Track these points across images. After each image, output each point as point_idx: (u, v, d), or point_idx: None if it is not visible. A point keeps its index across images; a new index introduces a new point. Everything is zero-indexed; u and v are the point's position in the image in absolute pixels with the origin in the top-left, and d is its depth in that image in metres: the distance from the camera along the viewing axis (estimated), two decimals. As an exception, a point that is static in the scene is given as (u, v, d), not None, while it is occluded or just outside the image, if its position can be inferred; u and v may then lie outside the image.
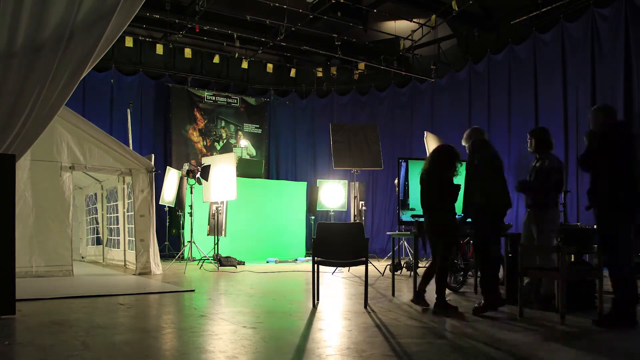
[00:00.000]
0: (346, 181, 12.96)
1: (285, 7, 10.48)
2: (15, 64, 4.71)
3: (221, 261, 9.18)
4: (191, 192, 9.45)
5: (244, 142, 13.71)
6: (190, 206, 9.43)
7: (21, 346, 3.60)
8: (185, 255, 10.22)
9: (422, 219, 5.26)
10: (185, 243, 10.22)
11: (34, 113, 4.88)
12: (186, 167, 9.15)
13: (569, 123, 9.10)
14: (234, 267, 9.23)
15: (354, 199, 9.70)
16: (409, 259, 9.40)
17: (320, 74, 13.91)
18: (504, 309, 5.04)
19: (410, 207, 6.25)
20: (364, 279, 5.33)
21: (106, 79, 11.94)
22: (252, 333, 4.00)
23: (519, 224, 8.99)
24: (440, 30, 12.07)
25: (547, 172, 5.14)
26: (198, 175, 9.13)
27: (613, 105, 5.01)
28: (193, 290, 6.39)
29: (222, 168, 9.41)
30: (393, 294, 6.18)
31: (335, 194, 12.06)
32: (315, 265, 5.31)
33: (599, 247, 4.50)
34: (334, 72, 13.44)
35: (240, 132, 13.91)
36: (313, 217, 12.41)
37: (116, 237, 9.22)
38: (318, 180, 13.22)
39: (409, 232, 6.16)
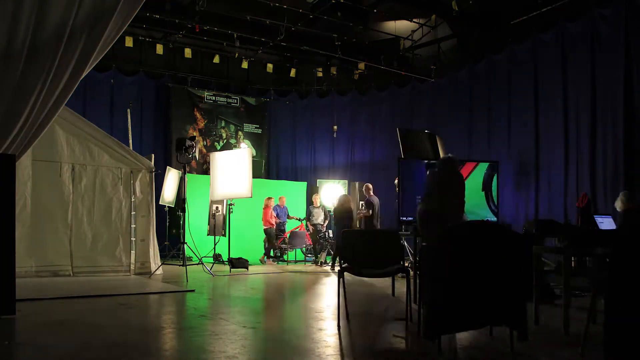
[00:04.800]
0: (346, 181, 12.96)
1: (285, 7, 10.47)
2: (15, 64, 4.72)
3: (233, 262, 9.10)
4: (184, 186, 8.83)
5: (244, 145, 13.68)
6: (184, 200, 8.38)
7: (21, 346, 3.60)
8: (187, 255, 10.19)
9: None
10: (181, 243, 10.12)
11: (34, 113, 4.88)
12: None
13: (569, 123, 9.09)
14: (245, 269, 9.14)
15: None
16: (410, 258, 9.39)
17: (320, 74, 13.90)
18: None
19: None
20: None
21: (106, 79, 11.92)
22: (252, 333, 4.00)
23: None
24: (440, 30, 12.06)
25: None
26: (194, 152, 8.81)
27: None
28: (193, 291, 6.39)
29: (234, 163, 9.29)
30: (393, 294, 6.18)
31: (335, 194, 12.05)
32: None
33: None
34: (334, 72, 13.43)
35: (240, 132, 13.90)
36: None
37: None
38: (318, 180, 13.22)
39: (408, 232, 6.16)
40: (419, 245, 6.40)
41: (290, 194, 12.09)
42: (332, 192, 12.10)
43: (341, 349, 3.69)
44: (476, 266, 3.11)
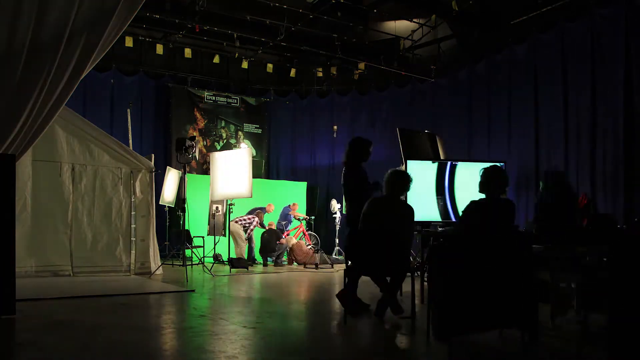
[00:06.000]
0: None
1: (285, 7, 10.47)
2: (15, 64, 4.71)
3: (233, 262, 9.10)
4: (184, 186, 8.88)
5: (244, 145, 13.66)
6: (184, 200, 8.37)
7: (21, 346, 3.60)
8: (187, 255, 10.19)
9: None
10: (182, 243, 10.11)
11: (34, 113, 4.88)
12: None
13: (569, 123, 9.09)
14: (245, 269, 9.13)
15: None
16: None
17: (320, 74, 13.89)
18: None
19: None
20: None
21: (106, 79, 11.91)
22: (252, 333, 4.00)
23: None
24: (440, 30, 12.06)
25: None
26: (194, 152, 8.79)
27: None
28: (193, 291, 6.39)
29: (234, 163, 9.27)
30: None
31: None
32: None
33: None
34: (334, 72, 13.42)
35: (240, 132, 13.90)
36: (313, 217, 12.40)
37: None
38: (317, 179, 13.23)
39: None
40: (418, 246, 6.40)
41: (290, 194, 12.10)
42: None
43: (343, 349, 3.69)
44: (486, 267, 3.09)
